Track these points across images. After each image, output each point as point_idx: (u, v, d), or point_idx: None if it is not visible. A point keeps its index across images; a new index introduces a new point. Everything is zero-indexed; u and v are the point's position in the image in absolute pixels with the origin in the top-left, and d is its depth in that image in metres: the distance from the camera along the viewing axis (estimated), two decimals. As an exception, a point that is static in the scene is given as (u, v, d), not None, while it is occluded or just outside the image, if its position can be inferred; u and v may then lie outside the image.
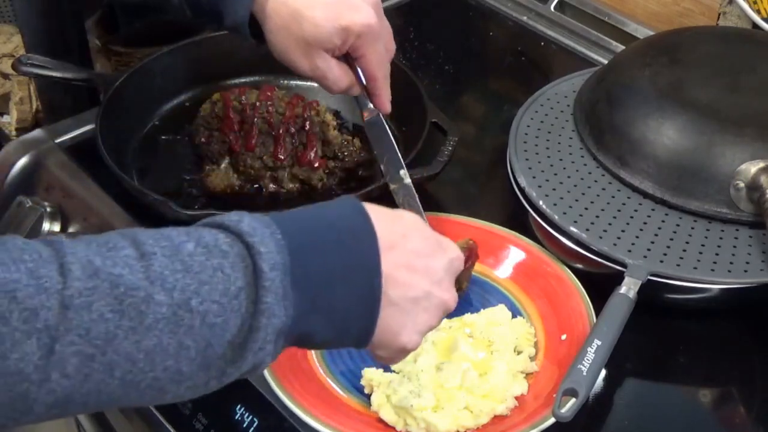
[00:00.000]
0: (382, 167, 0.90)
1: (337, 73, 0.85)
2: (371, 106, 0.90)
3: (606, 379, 0.82)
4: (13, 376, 0.49)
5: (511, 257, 0.90)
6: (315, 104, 1.05)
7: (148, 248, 0.54)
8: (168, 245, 0.54)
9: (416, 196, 0.87)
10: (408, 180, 0.88)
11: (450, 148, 0.96)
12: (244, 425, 0.81)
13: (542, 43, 1.29)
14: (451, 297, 0.65)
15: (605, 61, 1.11)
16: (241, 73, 1.14)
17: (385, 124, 0.91)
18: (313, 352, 0.82)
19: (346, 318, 0.59)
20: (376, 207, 0.63)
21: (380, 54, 0.86)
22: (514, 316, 0.84)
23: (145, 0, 1.37)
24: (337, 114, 1.10)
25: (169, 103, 1.10)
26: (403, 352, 0.64)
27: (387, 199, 0.93)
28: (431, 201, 0.99)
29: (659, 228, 0.86)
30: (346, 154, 1.03)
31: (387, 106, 0.90)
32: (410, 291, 0.62)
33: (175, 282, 0.53)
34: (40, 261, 0.51)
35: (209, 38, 1.16)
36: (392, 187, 0.88)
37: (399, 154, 0.90)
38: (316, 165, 1.00)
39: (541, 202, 0.89)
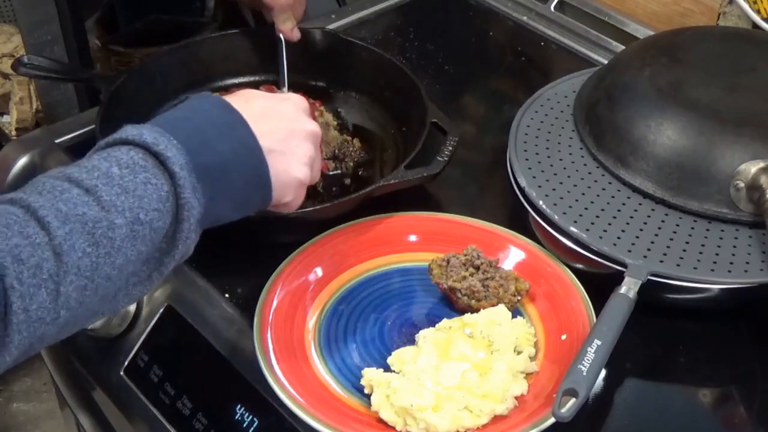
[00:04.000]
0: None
1: None
2: None
3: (606, 379, 0.82)
4: (34, 324, 0.58)
5: (511, 257, 0.90)
6: (317, 104, 1.05)
7: (89, 183, 0.62)
8: (100, 174, 0.63)
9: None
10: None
11: (450, 148, 0.96)
12: (244, 425, 0.81)
13: (542, 43, 1.29)
14: (312, 126, 0.78)
15: (605, 61, 1.11)
16: (241, 73, 1.14)
17: None
18: (313, 351, 0.82)
19: (245, 190, 0.71)
20: (229, 95, 0.75)
21: None
22: (514, 316, 0.84)
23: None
24: (337, 114, 1.10)
25: (169, 103, 1.10)
26: (301, 187, 0.77)
27: (387, 199, 0.94)
28: (431, 201, 0.99)
29: (659, 228, 0.86)
30: (345, 154, 1.03)
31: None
32: (277, 134, 0.74)
33: (123, 204, 0.62)
34: (22, 222, 0.59)
35: (210, 38, 1.16)
36: None
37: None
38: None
39: (541, 202, 0.89)
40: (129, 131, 0.66)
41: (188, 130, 0.68)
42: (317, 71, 1.12)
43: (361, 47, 1.12)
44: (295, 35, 1.07)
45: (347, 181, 1.02)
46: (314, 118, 0.98)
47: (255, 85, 1.08)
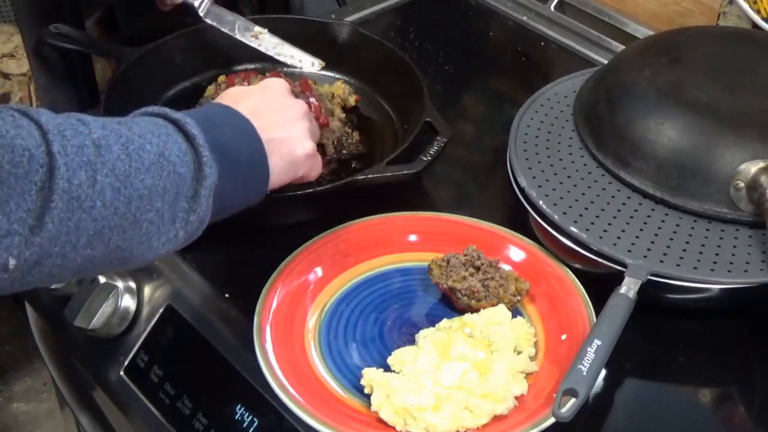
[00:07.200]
0: (237, 34, 1.10)
1: None
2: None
3: (606, 379, 0.82)
4: (74, 201, 0.60)
5: (511, 257, 0.90)
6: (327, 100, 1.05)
7: (117, 120, 0.67)
8: (125, 121, 0.67)
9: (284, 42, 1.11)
10: (267, 34, 1.10)
11: (436, 148, 0.95)
12: (244, 425, 0.81)
13: (542, 43, 1.29)
14: (298, 103, 0.84)
15: (605, 61, 1.11)
16: (252, 59, 1.15)
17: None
18: (312, 351, 0.82)
19: (247, 174, 0.74)
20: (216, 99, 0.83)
21: None
22: (514, 316, 0.84)
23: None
24: (342, 108, 1.09)
25: (173, 88, 1.11)
26: (309, 158, 0.82)
27: (386, 199, 0.93)
28: (431, 201, 0.99)
29: (659, 228, 0.86)
30: (344, 146, 1.03)
31: None
32: (272, 125, 0.78)
33: (151, 138, 0.66)
34: (62, 116, 0.63)
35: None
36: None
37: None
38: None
39: (541, 202, 0.89)
40: (148, 108, 0.72)
41: (196, 116, 0.72)
42: (334, 62, 1.14)
43: (376, 41, 1.12)
44: None
45: (338, 171, 1.01)
46: (306, 90, 1.00)
47: (263, 72, 1.09)
